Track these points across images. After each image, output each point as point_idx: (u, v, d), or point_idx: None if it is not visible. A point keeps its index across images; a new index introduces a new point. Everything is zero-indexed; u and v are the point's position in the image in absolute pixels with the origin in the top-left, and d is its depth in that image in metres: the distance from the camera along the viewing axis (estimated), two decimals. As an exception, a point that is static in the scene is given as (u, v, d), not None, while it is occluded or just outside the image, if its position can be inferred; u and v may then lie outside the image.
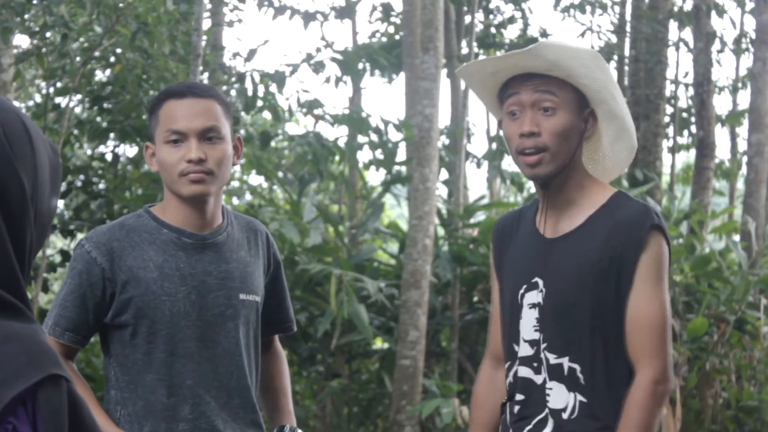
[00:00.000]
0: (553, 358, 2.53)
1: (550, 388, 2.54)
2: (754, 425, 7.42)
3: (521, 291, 2.59)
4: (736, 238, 8.82)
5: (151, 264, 2.58)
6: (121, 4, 6.08)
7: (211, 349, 2.60)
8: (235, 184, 9.83)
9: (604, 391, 2.50)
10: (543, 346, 2.55)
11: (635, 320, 2.48)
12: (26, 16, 6.33)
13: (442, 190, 9.47)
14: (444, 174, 9.47)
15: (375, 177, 13.93)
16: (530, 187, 10.30)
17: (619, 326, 2.49)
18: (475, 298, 8.02)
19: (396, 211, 15.55)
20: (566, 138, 2.50)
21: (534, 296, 2.57)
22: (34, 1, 6.10)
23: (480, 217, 8.68)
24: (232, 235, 2.70)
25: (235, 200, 10.04)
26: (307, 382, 8.02)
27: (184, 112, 2.58)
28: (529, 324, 2.57)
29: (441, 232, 8.20)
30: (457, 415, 6.58)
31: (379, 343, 8.34)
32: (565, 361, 2.52)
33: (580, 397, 2.51)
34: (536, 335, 2.56)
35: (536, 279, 2.58)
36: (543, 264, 2.57)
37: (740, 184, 13.06)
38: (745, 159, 11.44)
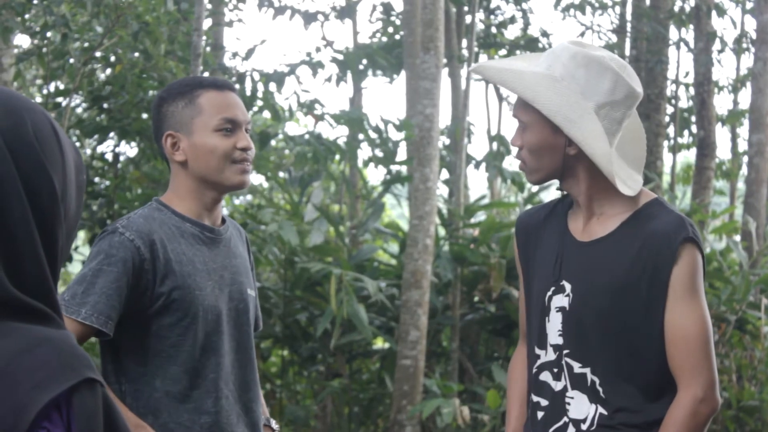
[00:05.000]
0: (577, 367, 2.45)
1: (572, 397, 2.45)
2: (755, 425, 7.40)
3: (549, 293, 2.50)
4: (737, 238, 8.81)
5: (184, 257, 2.55)
6: (122, 1, 6.07)
7: (230, 342, 2.61)
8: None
9: (624, 405, 2.41)
10: (565, 352, 2.46)
11: (673, 335, 2.38)
12: (27, 16, 6.32)
13: (443, 190, 9.46)
14: (444, 174, 9.46)
15: (375, 177, 13.95)
16: (530, 187, 10.29)
17: (647, 340, 2.40)
18: (476, 298, 8.00)
19: (396, 210, 15.55)
20: (540, 155, 2.45)
21: (560, 300, 2.48)
22: (35, 1, 6.09)
23: (481, 217, 8.67)
24: (231, 231, 2.72)
25: (235, 200, 10.03)
26: (308, 382, 8.02)
27: (233, 102, 2.61)
28: (554, 328, 2.48)
29: (441, 232, 8.19)
30: (458, 415, 6.57)
31: (379, 343, 8.33)
32: (588, 372, 2.43)
33: (600, 410, 2.42)
34: (559, 340, 2.47)
35: (563, 282, 2.48)
36: (571, 267, 2.48)
37: (741, 184, 13.05)
38: (745, 159, 11.44)
